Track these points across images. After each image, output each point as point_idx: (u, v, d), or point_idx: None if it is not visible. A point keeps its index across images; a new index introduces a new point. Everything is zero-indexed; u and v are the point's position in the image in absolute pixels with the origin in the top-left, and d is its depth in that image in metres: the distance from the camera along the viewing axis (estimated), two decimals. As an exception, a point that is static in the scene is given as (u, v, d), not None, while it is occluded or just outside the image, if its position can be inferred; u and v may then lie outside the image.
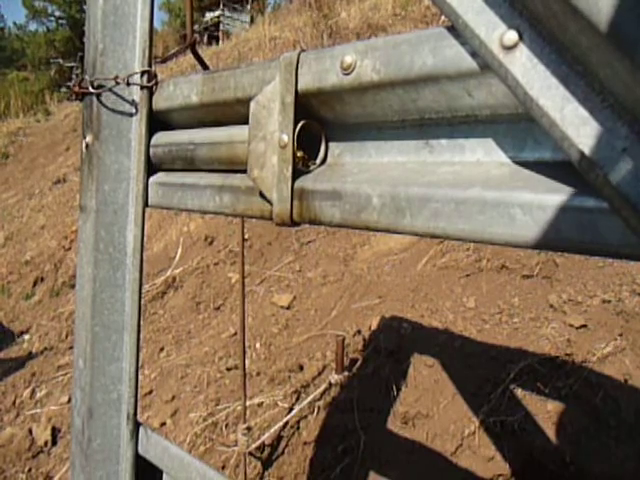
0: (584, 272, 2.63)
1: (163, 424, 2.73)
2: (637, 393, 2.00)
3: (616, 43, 0.36)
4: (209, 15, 19.34)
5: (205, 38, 16.91)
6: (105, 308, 1.01)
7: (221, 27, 18.54)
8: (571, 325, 2.35)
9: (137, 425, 1.04)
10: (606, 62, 0.39)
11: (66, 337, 4.05)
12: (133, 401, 1.02)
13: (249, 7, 19.63)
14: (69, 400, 3.17)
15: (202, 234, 4.76)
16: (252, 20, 17.06)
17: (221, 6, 19.16)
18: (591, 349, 2.21)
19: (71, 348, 3.79)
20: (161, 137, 0.97)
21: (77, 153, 8.00)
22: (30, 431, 2.98)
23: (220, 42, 13.76)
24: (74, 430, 1.10)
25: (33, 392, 3.44)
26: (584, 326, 2.32)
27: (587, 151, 0.42)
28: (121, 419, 1.03)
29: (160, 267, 4.56)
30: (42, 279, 5.27)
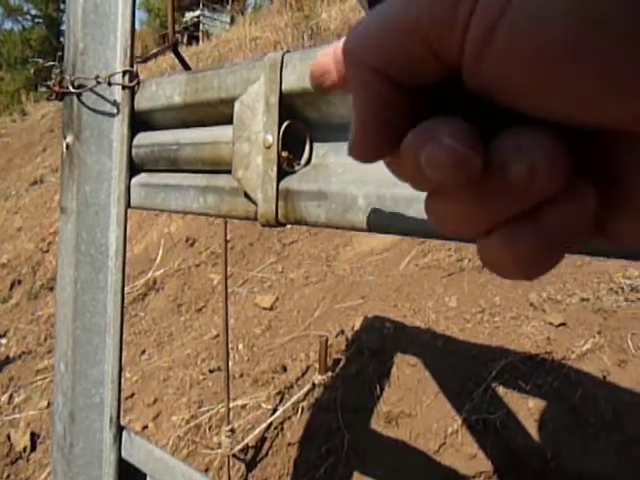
0: (563, 271, 2.67)
1: (145, 427, 2.69)
2: (615, 390, 2.04)
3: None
4: (189, 15, 19.22)
5: (185, 38, 16.79)
6: (87, 310, 1.00)
7: (201, 27, 18.44)
8: (551, 323, 2.38)
9: (120, 429, 1.03)
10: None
11: (45, 341, 3.98)
12: (116, 404, 1.01)
13: (229, 7, 19.56)
14: (48, 405, 3.12)
15: (183, 235, 4.72)
16: (232, 20, 16.99)
17: (201, 6, 19.05)
18: (570, 347, 2.25)
19: (50, 352, 3.73)
20: (143, 138, 0.96)
21: (54, 154, 7.88)
22: (8, 437, 2.92)
23: (200, 42, 13.67)
24: (55, 435, 1.08)
25: (11, 397, 3.37)
26: (563, 324, 2.36)
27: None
28: (104, 423, 1.02)
29: (140, 269, 4.51)
30: (19, 282, 5.16)
